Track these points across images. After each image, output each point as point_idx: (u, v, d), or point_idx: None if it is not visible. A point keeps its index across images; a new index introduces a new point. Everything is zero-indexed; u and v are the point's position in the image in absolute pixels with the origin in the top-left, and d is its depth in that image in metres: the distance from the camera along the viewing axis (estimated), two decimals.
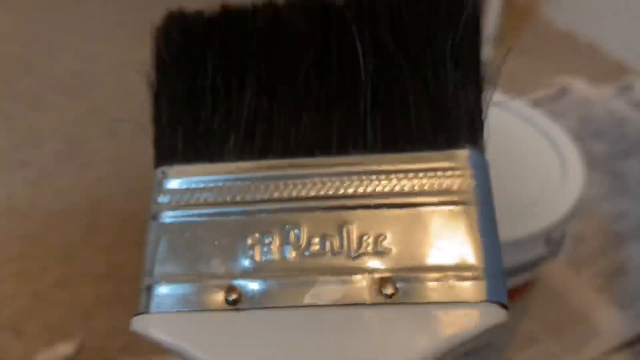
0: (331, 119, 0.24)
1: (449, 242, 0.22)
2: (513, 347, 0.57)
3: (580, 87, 0.93)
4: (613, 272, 0.64)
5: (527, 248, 0.42)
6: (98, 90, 0.92)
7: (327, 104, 0.24)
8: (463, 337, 0.21)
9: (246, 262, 0.22)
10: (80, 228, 0.69)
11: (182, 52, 0.25)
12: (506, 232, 0.41)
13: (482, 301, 0.21)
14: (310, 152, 0.23)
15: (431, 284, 0.21)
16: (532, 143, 0.48)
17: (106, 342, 0.58)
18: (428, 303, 0.21)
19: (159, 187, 0.24)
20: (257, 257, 0.22)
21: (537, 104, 0.88)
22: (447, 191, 0.22)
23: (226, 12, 0.26)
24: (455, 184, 0.23)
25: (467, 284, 0.21)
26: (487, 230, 0.22)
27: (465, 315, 0.21)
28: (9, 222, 0.70)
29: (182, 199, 0.23)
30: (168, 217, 0.23)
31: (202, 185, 0.23)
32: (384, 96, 0.24)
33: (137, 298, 0.23)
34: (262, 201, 0.23)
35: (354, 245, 0.22)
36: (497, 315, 0.21)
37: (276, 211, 0.23)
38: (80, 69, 0.97)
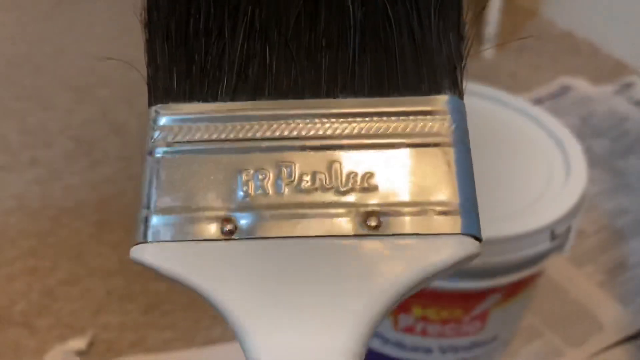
0: (321, 63, 0.24)
1: (429, 179, 0.23)
2: (517, 340, 0.58)
3: (581, 85, 0.94)
4: (614, 268, 0.65)
5: (532, 243, 0.43)
6: (106, 89, 0.93)
7: (317, 49, 0.25)
8: (439, 265, 0.22)
9: (241, 196, 0.23)
10: (90, 225, 0.70)
11: None
12: (511, 226, 0.42)
13: (457, 234, 0.23)
14: (300, 95, 0.24)
15: (411, 218, 0.23)
16: (536, 140, 0.49)
17: (117, 337, 0.59)
18: (408, 234, 0.23)
19: (154, 124, 0.24)
20: (252, 191, 0.23)
21: (538, 102, 0.89)
22: (428, 133, 0.24)
23: None
24: (436, 126, 0.24)
25: (444, 217, 0.23)
26: (463, 169, 0.24)
27: (442, 246, 0.22)
28: (20, 220, 0.71)
29: (177, 136, 0.24)
30: (163, 152, 0.24)
31: (196, 123, 0.24)
32: (371, 43, 0.25)
33: (135, 229, 0.24)
34: (255, 139, 0.24)
35: (342, 181, 0.23)
36: (470, 246, 0.23)
37: (269, 149, 0.24)
38: (89, 69, 0.97)
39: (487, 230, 0.40)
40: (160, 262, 0.23)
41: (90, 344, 0.58)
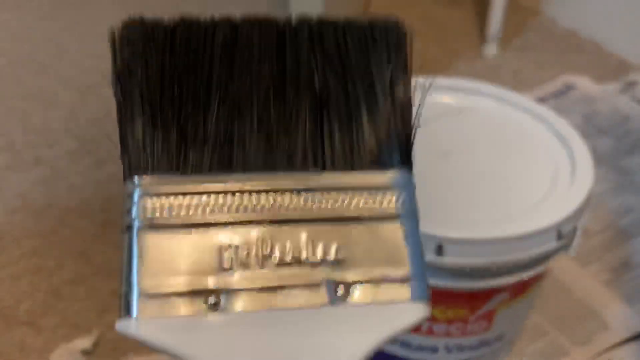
0: (291, 138, 0.25)
1: (385, 251, 0.25)
2: (522, 339, 0.58)
3: (584, 84, 0.94)
4: (620, 266, 0.65)
5: (538, 242, 0.43)
6: (109, 88, 0.92)
7: (287, 123, 0.25)
8: (397, 329, 0.25)
9: (222, 270, 0.24)
10: (94, 224, 0.70)
11: (146, 60, 0.25)
12: (517, 226, 0.42)
13: (411, 300, 0.25)
14: (274, 167, 0.25)
15: (372, 288, 0.25)
16: (541, 139, 0.49)
17: (122, 337, 0.59)
18: (370, 303, 0.25)
19: (130, 199, 0.24)
20: (232, 266, 0.24)
21: (541, 101, 0.89)
22: (383, 208, 0.26)
23: (187, 23, 0.26)
24: (392, 201, 0.26)
25: (400, 286, 0.25)
26: (413, 240, 0.26)
27: (400, 312, 0.25)
28: (24, 220, 0.71)
29: (155, 211, 0.24)
30: (142, 228, 0.24)
31: (174, 197, 0.24)
32: (335, 119, 0.26)
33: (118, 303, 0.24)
34: (234, 213, 0.24)
35: (315, 255, 0.25)
36: (422, 311, 0.25)
37: (247, 223, 0.24)
38: (92, 68, 0.98)
39: (494, 230, 0.41)
40: (147, 336, 0.23)
41: (96, 344, 0.58)
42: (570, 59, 1.01)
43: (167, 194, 0.24)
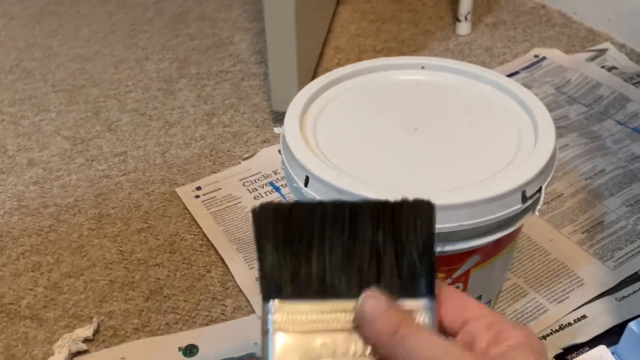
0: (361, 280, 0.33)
1: None
2: (503, 300, 0.60)
3: (554, 55, 0.96)
4: (593, 227, 0.68)
5: (504, 204, 0.45)
6: (97, 89, 0.95)
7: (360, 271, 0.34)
8: None
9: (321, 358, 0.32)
10: (88, 220, 0.73)
11: (275, 227, 0.34)
12: (485, 190, 0.44)
13: None
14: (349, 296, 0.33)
15: None
16: (506, 109, 0.52)
17: (122, 323, 0.61)
18: None
19: (267, 314, 0.33)
20: (326, 356, 0.32)
21: (514, 73, 0.91)
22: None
23: (299, 205, 0.35)
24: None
25: None
26: None
27: None
28: (21, 219, 0.73)
29: (282, 323, 0.33)
30: (274, 331, 0.33)
31: (293, 314, 0.33)
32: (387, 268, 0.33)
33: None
34: (330, 323, 0.33)
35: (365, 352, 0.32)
36: None
37: (335, 331, 0.33)
38: (78, 70, 1.00)
39: (463, 195, 0.43)
40: None
41: (97, 331, 0.61)
42: (540, 32, 1.04)
43: (289, 312, 0.33)
